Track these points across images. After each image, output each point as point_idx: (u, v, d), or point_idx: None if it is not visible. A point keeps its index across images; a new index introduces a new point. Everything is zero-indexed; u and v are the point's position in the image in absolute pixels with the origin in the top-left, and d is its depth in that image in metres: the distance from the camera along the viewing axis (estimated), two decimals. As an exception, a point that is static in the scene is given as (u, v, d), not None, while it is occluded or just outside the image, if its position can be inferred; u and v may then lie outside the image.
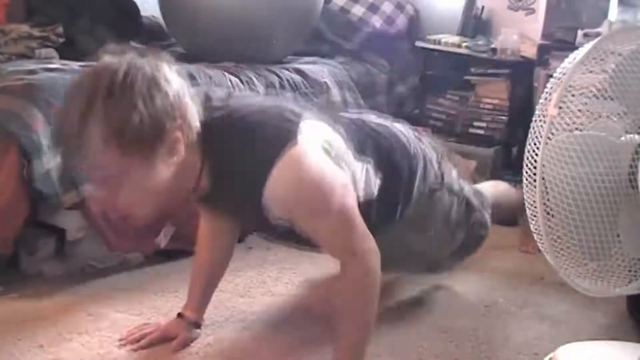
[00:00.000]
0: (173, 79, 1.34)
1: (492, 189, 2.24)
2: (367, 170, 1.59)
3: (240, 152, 1.40)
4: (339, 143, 1.53)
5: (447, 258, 2.01)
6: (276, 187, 1.38)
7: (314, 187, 1.41)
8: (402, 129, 1.80)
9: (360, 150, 1.60)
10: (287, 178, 1.38)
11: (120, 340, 1.74)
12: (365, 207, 1.56)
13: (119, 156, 1.28)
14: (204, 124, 1.40)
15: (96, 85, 1.27)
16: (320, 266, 2.22)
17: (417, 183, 1.74)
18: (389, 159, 1.67)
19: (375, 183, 1.62)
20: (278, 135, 1.40)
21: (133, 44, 2.80)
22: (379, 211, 1.63)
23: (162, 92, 1.30)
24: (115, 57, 1.32)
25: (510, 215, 2.45)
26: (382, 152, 1.66)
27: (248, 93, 1.57)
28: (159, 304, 1.95)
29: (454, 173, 1.91)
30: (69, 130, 1.29)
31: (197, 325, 1.78)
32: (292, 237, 1.56)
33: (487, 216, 2.02)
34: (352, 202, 1.48)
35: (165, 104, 1.30)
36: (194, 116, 1.37)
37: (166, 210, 1.42)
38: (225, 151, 1.41)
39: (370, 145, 1.64)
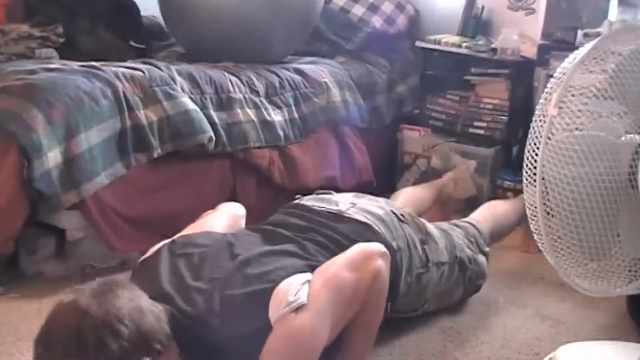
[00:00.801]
0: (125, 308, 1.29)
1: (490, 213, 2.23)
2: None
3: (220, 348, 1.38)
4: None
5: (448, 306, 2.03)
6: None
7: (303, 355, 1.38)
8: (384, 218, 1.78)
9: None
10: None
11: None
12: None
13: None
14: (182, 326, 1.38)
15: (53, 355, 1.26)
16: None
17: (403, 276, 1.73)
18: None
19: None
20: (257, 323, 1.37)
21: (133, 44, 2.81)
22: None
23: (116, 333, 1.26)
24: (64, 308, 1.32)
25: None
26: None
27: (218, 254, 1.55)
28: (159, 304, 1.95)
29: (440, 243, 1.89)
30: None
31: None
32: None
33: (484, 261, 2.02)
34: (327, 287, 1.42)
35: (123, 345, 1.26)
36: (159, 333, 1.33)
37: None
38: (203, 348, 1.39)
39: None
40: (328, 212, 1.76)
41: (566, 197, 1.33)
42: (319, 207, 1.79)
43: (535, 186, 1.38)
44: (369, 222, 1.74)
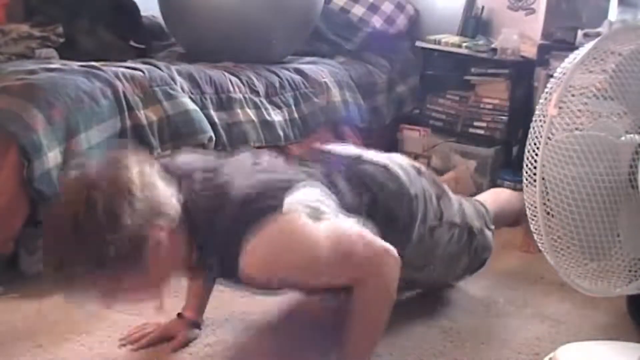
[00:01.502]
0: (136, 178, 1.31)
1: (494, 198, 2.23)
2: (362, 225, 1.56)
3: (222, 230, 1.40)
4: (329, 206, 1.51)
5: (451, 280, 2.03)
6: (251, 261, 1.37)
7: (293, 244, 1.39)
8: (403, 166, 1.79)
9: (357, 203, 1.59)
10: (262, 247, 1.36)
11: (120, 340, 1.74)
12: None
13: (109, 279, 1.30)
14: (188, 206, 1.39)
15: (64, 225, 1.26)
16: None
17: (416, 225, 1.73)
18: (387, 208, 1.66)
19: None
20: (258, 211, 1.38)
21: (133, 44, 2.81)
22: None
23: (128, 202, 1.27)
24: (75, 177, 1.32)
25: (514, 220, 2.45)
26: (379, 203, 1.65)
27: (239, 159, 1.57)
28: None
29: (455, 204, 1.90)
30: (56, 277, 1.31)
31: (197, 325, 1.78)
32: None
33: (490, 235, 2.01)
34: (343, 234, 1.45)
35: (134, 214, 1.28)
36: (170, 206, 1.35)
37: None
38: (209, 230, 1.41)
39: (368, 196, 1.63)
40: (347, 154, 1.77)
41: (566, 197, 1.33)
42: (338, 150, 1.80)
43: (535, 186, 1.38)
44: (388, 164, 1.74)
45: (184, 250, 1.42)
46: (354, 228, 1.49)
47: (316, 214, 1.43)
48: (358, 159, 1.74)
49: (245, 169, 1.52)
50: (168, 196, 1.36)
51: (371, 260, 1.47)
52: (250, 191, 1.43)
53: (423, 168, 1.89)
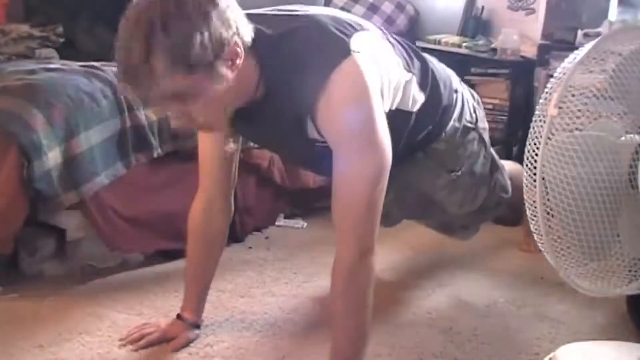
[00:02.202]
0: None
1: (509, 166, 2.22)
2: (412, 83, 1.61)
3: (295, 63, 1.40)
4: (389, 55, 1.55)
5: (465, 217, 2.02)
6: (330, 99, 1.37)
7: (366, 116, 1.40)
8: (445, 67, 1.83)
9: (408, 66, 1.61)
10: (343, 91, 1.37)
11: (120, 340, 1.74)
12: (401, 117, 1.59)
13: (186, 77, 1.29)
14: (258, 36, 1.40)
15: (151, 15, 1.26)
16: (321, 266, 2.23)
17: (453, 116, 1.77)
18: (433, 82, 1.69)
19: (417, 100, 1.64)
20: (332, 47, 1.40)
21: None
22: (413, 126, 1.66)
23: (215, 5, 1.30)
24: None
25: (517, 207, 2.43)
26: (427, 75, 1.68)
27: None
28: (159, 304, 1.95)
29: (486, 124, 1.94)
30: (134, 65, 1.29)
31: (197, 325, 1.78)
32: (317, 162, 1.54)
33: (508, 181, 2.03)
34: (382, 196, 1.45)
35: (221, 17, 1.30)
36: (246, 25, 1.38)
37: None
38: (280, 62, 1.42)
39: (418, 66, 1.66)
40: None
41: (566, 197, 1.33)
42: None
43: (535, 186, 1.38)
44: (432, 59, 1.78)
45: (253, 75, 1.42)
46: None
47: (379, 63, 1.46)
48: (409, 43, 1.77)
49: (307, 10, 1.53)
50: (245, 20, 1.38)
51: (374, 239, 1.45)
52: (317, 29, 1.43)
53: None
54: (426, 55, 1.75)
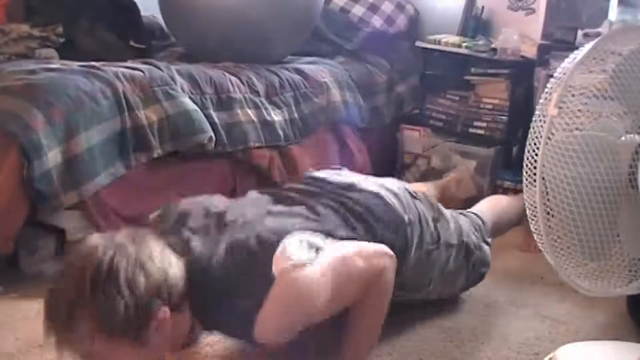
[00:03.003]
0: (157, 254, 1.35)
1: (492, 207, 2.22)
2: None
3: (225, 305, 1.41)
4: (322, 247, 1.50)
5: (450, 296, 2.03)
6: (265, 330, 1.39)
7: (300, 304, 1.39)
8: (396, 192, 1.77)
9: (350, 236, 1.58)
10: (272, 317, 1.38)
11: (120, 340, 1.73)
12: None
13: (108, 344, 1.31)
14: (189, 278, 1.40)
15: (82, 277, 1.28)
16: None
17: (413, 251, 1.73)
18: (382, 237, 1.64)
19: None
20: (260, 280, 1.38)
21: (133, 44, 2.81)
22: None
23: (147, 273, 1.31)
24: (101, 240, 1.34)
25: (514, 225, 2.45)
26: (374, 232, 1.64)
27: (238, 216, 1.54)
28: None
29: (451, 224, 1.89)
30: (58, 323, 1.32)
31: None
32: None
33: (487, 250, 2.01)
34: (338, 263, 1.45)
35: (150, 286, 1.31)
36: (180, 282, 1.37)
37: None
38: (212, 304, 1.42)
39: (362, 227, 1.62)
40: (340, 182, 1.76)
41: (566, 197, 1.33)
42: (331, 178, 1.79)
43: (535, 186, 1.38)
44: (381, 192, 1.73)
45: (185, 325, 1.43)
46: (349, 247, 1.50)
47: (312, 250, 1.43)
48: (351, 187, 1.73)
49: (236, 224, 1.51)
50: (178, 274, 1.38)
51: (371, 271, 1.48)
52: (243, 257, 1.42)
53: (418, 192, 1.88)
54: (369, 201, 1.69)
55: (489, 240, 2.03)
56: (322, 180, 1.78)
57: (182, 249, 1.42)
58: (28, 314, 1.86)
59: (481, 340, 1.84)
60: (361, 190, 1.72)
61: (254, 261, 1.40)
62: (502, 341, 1.84)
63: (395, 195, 1.76)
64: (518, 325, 1.93)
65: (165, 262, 1.35)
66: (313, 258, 1.41)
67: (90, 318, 1.28)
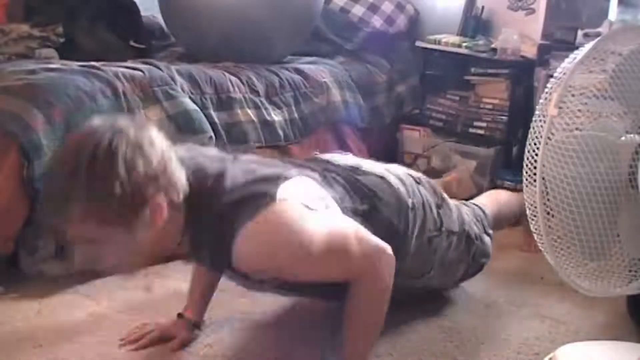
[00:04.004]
0: (159, 143, 1.34)
1: (493, 200, 2.22)
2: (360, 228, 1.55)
3: (215, 218, 1.39)
4: (324, 199, 1.51)
5: (450, 286, 2.03)
6: (243, 249, 1.36)
7: (287, 237, 1.37)
8: (401, 177, 1.77)
9: (354, 209, 1.59)
10: (256, 237, 1.35)
11: (120, 340, 1.74)
12: None
13: (100, 225, 1.29)
14: (192, 190, 1.39)
15: (81, 153, 1.26)
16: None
17: (414, 235, 1.73)
18: (384, 218, 1.65)
19: None
20: (254, 197, 1.38)
21: (133, 44, 2.81)
22: None
23: (146, 158, 1.29)
24: (102, 122, 1.32)
25: (514, 221, 2.45)
26: (377, 212, 1.64)
27: (245, 158, 1.57)
28: (159, 304, 1.95)
29: (454, 211, 1.89)
30: (53, 197, 1.30)
31: (197, 325, 1.78)
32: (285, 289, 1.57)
33: (488, 241, 2.01)
34: (338, 229, 1.46)
35: (148, 171, 1.29)
36: (179, 180, 1.36)
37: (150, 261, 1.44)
38: (204, 217, 1.40)
39: (366, 204, 1.63)
40: (345, 164, 1.76)
41: (566, 197, 1.33)
42: (336, 160, 1.79)
43: (535, 186, 1.38)
44: (385, 175, 1.73)
45: (177, 230, 1.40)
46: (348, 223, 1.49)
47: (310, 206, 1.43)
48: (356, 170, 1.73)
49: (241, 161, 1.52)
50: (180, 174, 1.37)
51: (366, 256, 1.46)
52: (244, 179, 1.43)
53: (422, 177, 1.88)
54: (374, 181, 1.69)
55: (490, 232, 2.03)
56: (328, 161, 1.78)
57: (188, 162, 1.41)
58: (28, 314, 1.86)
59: (481, 340, 1.84)
60: (366, 172, 1.72)
61: (258, 187, 1.40)
62: (502, 341, 1.84)
63: (400, 179, 1.76)
64: (518, 325, 1.93)
65: (166, 155, 1.33)
66: (318, 208, 1.41)
67: (84, 195, 1.25)
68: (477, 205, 2.08)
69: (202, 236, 1.42)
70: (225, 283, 2.00)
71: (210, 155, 1.51)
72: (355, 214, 1.57)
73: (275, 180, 1.43)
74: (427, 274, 1.83)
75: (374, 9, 3.49)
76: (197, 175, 1.41)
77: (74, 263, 2.00)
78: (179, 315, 1.77)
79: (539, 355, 1.74)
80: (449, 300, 2.06)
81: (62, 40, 2.62)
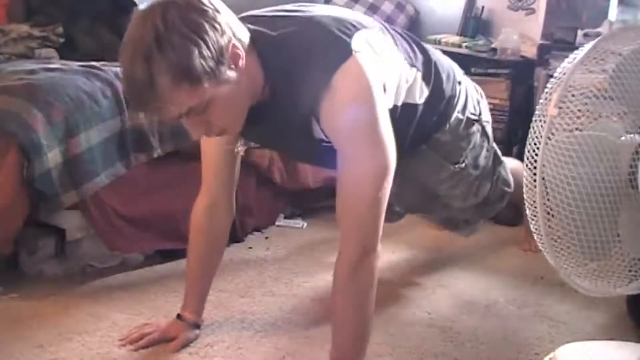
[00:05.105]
0: (221, 9, 1.35)
1: (510, 164, 2.22)
2: (416, 77, 1.63)
3: (298, 65, 1.40)
4: (392, 51, 1.56)
5: (468, 211, 2.03)
6: (333, 101, 1.37)
7: (369, 116, 1.40)
8: (449, 60, 1.85)
9: (411, 61, 1.63)
10: (345, 92, 1.37)
11: (120, 340, 1.74)
12: (409, 111, 1.62)
13: (194, 90, 1.30)
14: (259, 38, 1.42)
15: (146, 40, 1.27)
16: (321, 266, 2.23)
17: (457, 107, 1.78)
18: (436, 75, 1.70)
19: (422, 93, 1.67)
20: (334, 48, 1.40)
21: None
22: (420, 119, 1.68)
23: (204, 13, 1.30)
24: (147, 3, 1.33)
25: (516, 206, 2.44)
26: (431, 68, 1.69)
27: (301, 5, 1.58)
28: (159, 304, 1.95)
29: (489, 117, 1.95)
30: (140, 92, 1.30)
31: (197, 325, 1.78)
32: (323, 158, 1.53)
33: (510, 176, 2.04)
34: (387, 196, 1.46)
35: (213, 25, 1.30)
36: (241, 26, 1.39)
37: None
38: (283, 63, 1.42)
39: (421, 58, 1.67)
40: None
41: (566, 197, 1.33)
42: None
43: (535, 186, 1.38)
44: (436, 51, 1.81)
45: (258, 74, 1.42)
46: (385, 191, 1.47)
47: (381, 58, 1.47)
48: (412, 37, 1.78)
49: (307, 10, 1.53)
50: (238, 23, 1.39)
51: (378, 238, 1.45)
52: (318, 29, 1.43)
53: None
54: (429, 48, 1.76)
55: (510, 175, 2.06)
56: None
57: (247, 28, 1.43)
58: (28, 314, 1.86)
59: (481, 340, 1.84)
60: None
61: (333, 25, 1.43)
62: (502, 341, 1.84)
63: (448, 61, 1.84)
64: (518, 325, 1.93)
65: (223, 8, 1.35)
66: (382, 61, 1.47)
67: (167, 71, 1.26)
68: None
69: (283, 84, 1.43)
70: (225, 284, 2.01)
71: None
72: (413, 62, 1.63)
73: (351, 28, 1.44)
74: (458, 164, 1.85)
75: (374, 9, 3.49)
76: (267, 23, 1.44)
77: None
78: (179, 315, 1.77)
79: (539, 355, 1.74)
80: (449, 300, 2.06)
81: (62, 40, 2.62)
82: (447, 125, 1.78)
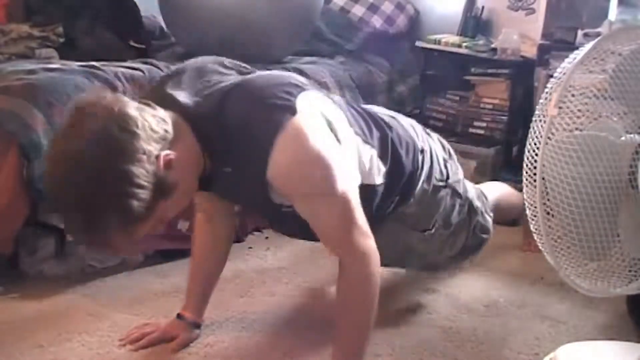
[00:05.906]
0: (129, 114, 1.28)
1: (495, 191, 2.23)
2: (372, 156, 1.60)
3: (240, 130, 1.38)
4: (342, 122, 1.53)
5: (446, 261, 2.01)
6: (279, 160, 1.35)
7: (317, 161, 1.38)
8: (411, 123, 1.81)
9: (366, 137, 1.60)
10: (291, 149, 1.36)
11: (120, 340, 1.74)
12: (367, 192, 1.57)
13: (145, 221, 1.32)
14: (195, 114, 1.40)
15: (80, 207, 1.28)
16: (321, 266, 2.23)
17: (421, 179, 1.74)
18: (394, 153, 1.67)
19: (380, 171, 1.63)
20: (277, 108, 1.38)
21: (133, 44, 2.81)
22: (381, 200, 1.65)
23: (124, 153, 1.26)
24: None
25: (511, 218, 2.46)
26: (387, 146, 1.66)
27: (252, 72, 1.56)
28: (159, 304, 1.95)
29: (460, 174, 1.91)
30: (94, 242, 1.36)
31: (197, 325, 1.78)
32: (295, 225, 1.52)
33: (489, 219, 2.02)
34: (355, 195, 1.46)
35: (136, 157, 1.26)
36: (160, 115, 1.34)
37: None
38: (223, 133, 1.40)
39: (376, 135, 1.64)
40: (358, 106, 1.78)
41: (566, 197, 1.33)
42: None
43: (535, 186, 1.38)
44: (396, 116, 1.78)
45: (195, 154, 1.41)
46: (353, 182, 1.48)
47: (330, 125, 1.44)
48: (366, 109, 1.76)
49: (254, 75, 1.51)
50: (157, 117, 1.34)
51: (364, 236, 1.46)
52: (261, 84, 1.42)
53: (432, 132, 1.92)
54: (387, 119, 1.72)
55: (491, 214, 2.04)
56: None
57: (169, 103, 1.40)
58: (28, 314, 1.86)
59: (481, 340, 1.84)
60: (376, 116, 1.73)
61: (272, 89, 1.40)
62: (502, 341, 1.84)
63: (411, 124, 1.81)
64: (518, 325, 1.93)
65: (140, 118, 1.29)
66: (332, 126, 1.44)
67: (115, 229, 1.29)
68: (478, 188, 2.09)
69: (226, 159, 1.42)
70: (225, 284, 2.01)
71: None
72: (369, 140, 1.60)
73: (296, 88, 1.43)
74: (429, 231, 1.82)
75: (374, 9, 3.49)
76: (204, 100, 1.41)
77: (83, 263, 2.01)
78: (179, 315, 1.77)
79: (539, 355, 1.74)
80: (449, 300, 2.06)
81: (62, 40, 2.62)
82: (412, 199, 1.74)
